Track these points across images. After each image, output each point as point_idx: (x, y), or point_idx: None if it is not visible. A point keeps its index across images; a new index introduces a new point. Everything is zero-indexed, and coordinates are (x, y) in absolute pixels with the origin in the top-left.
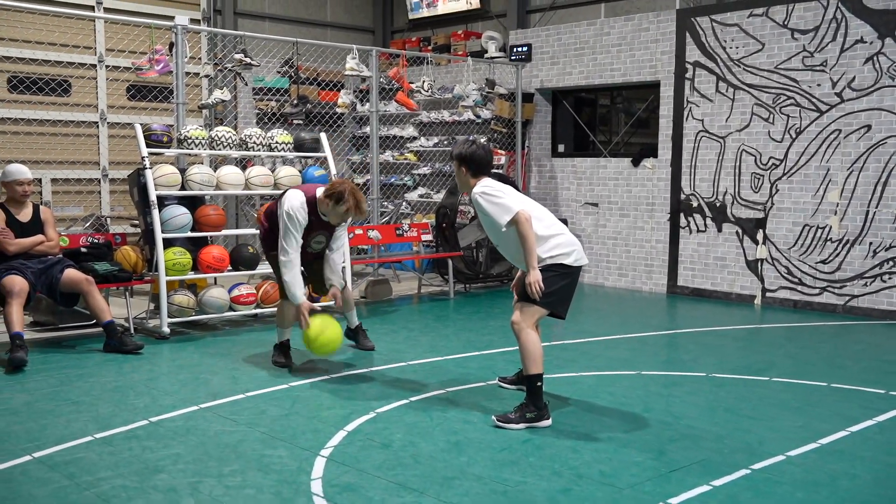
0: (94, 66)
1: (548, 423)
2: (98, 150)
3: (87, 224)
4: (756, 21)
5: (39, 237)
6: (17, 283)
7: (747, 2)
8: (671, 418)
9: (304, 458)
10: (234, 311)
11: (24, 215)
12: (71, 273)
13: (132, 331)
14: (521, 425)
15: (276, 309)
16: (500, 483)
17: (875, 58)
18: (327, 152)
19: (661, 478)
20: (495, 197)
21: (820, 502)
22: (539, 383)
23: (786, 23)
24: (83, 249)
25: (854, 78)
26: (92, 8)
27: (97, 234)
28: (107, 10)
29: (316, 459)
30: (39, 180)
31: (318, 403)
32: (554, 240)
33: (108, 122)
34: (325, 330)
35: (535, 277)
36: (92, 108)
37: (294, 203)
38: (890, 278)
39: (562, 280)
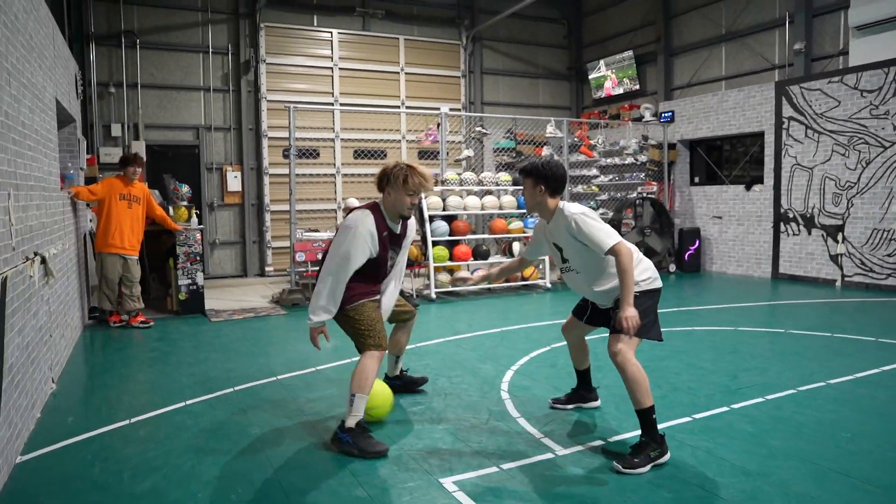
0: (399, 140)
1: (668, 456)
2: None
3: None
4: (833, 86)
5: None
6: None
7: (827, 73)
8: (749, 357)
9: (501, 370)
10: (475, 286)
11: None
12: None
13: (414, 295)
14: (647, 467)
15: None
16: (622, 390)
17: None
18: None
19: (730, 392)
20: (597, 222)
21: (842, 411)
22: (654, 415)
23: (856, 85)
24: None
25: None
26: (398, 106)
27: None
28: (407, 106)
29: (507, 372)
30: None
31: (515, 340)
32: (642, 265)
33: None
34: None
35: (633, 314)
36: None
37: (367, 221)
38: None
39: (653, 307)
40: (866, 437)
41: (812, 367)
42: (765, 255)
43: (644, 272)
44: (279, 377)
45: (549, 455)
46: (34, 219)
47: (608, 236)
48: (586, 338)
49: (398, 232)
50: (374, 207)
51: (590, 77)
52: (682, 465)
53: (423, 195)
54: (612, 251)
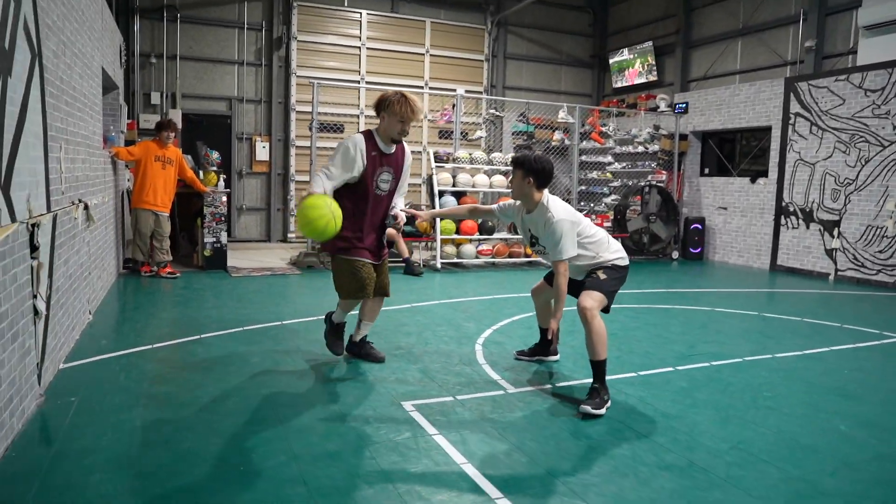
0: (421, 119)
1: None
2: (421, 167)
3: (406, 205)
4: (840, 84)
5: None
6: None
7: (835, 71)
8: (714, 332)
9: (482, 328)
10: (479, 258)
11: None
12: (389, 230)
13: (421, 264)
14: (603, 409)
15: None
16: (579, 349)
17: None
18: None
19: (682, 357)
20: (572, 232)
21: (773, 378)
22: (605, 366)
23: (861, 84)
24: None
25: None
26: (421, 86)
27: (408, 211)
28: (431, 87)
29: (487, 330)
30: None
31: (503, 305)
32: (613, 244)
33: (425, 151)
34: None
35: (556, 327)
36: (418, 143)
37: (354, 136)
38: None
39: (621, 281)
40: (783, 398)
41: (767, 344)
42: (765, 247)
43: (616, 252)
44: (284, 322)
45: (500, 392)
46: (79, 171)
47: (566, 252)
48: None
49: (390, 153)
50: (366, 132)
51: (611, 61)
52: (613, 408)
53: (434, 174)
54: (557, 263)
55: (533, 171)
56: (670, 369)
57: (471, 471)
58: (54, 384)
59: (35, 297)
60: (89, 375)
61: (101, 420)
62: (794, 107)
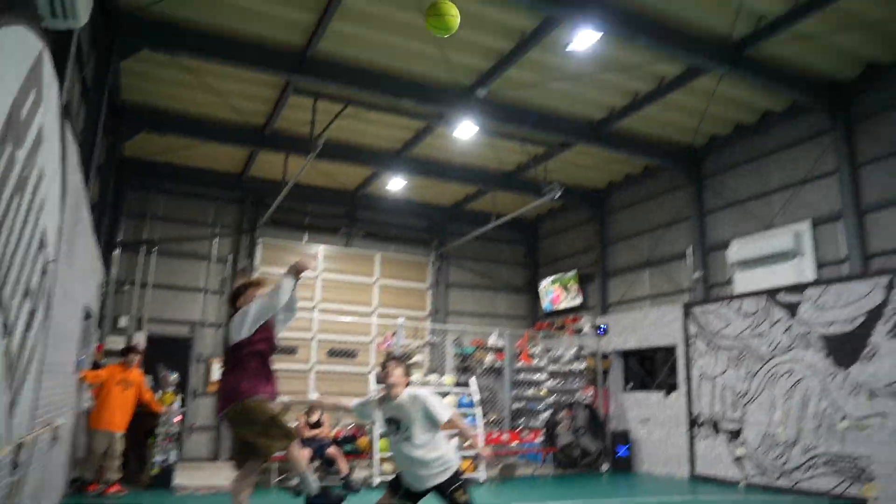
0: (369, 342)
1: None
2: (367, 385)
3: (349, 426)
4: (723, 309)
5: (318, 430)
6: (305, 452)
7: (719, 298)
8: None
9: None
10: None
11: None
12: (331, 448)
13: (361, 481)
14: None
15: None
16: None
17: (788, 329)
18: (474, 388)
19: None
20: (440, 399)
21: None
22: None
23: (739, 310)
24: (338, 438)
25: (780, 342)
26: (370, 313)
27: (351, 430)
28: (379, 314)
29: None
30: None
31: None
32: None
33: (371, 373)
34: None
35: (488, 451)
36: (365, 363)
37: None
38: (815, 468)
39: (468, 482)
40: None
41: None
42: (683, 456)
43: (453, 446)
44: None
45: None
46: (54, 395)
47: (446, 412)
48: None
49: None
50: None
51: (540, 286)
52: None
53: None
54: (448, 423)
55: (408, 366)
56: None
57: None
58: None
59: None
60: None
61: None
62: (692, 329)
